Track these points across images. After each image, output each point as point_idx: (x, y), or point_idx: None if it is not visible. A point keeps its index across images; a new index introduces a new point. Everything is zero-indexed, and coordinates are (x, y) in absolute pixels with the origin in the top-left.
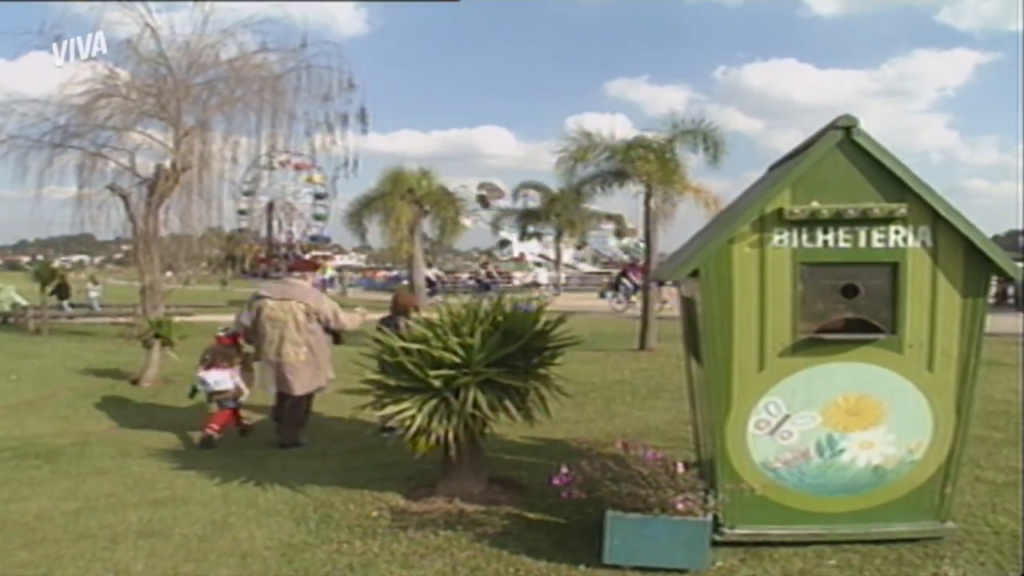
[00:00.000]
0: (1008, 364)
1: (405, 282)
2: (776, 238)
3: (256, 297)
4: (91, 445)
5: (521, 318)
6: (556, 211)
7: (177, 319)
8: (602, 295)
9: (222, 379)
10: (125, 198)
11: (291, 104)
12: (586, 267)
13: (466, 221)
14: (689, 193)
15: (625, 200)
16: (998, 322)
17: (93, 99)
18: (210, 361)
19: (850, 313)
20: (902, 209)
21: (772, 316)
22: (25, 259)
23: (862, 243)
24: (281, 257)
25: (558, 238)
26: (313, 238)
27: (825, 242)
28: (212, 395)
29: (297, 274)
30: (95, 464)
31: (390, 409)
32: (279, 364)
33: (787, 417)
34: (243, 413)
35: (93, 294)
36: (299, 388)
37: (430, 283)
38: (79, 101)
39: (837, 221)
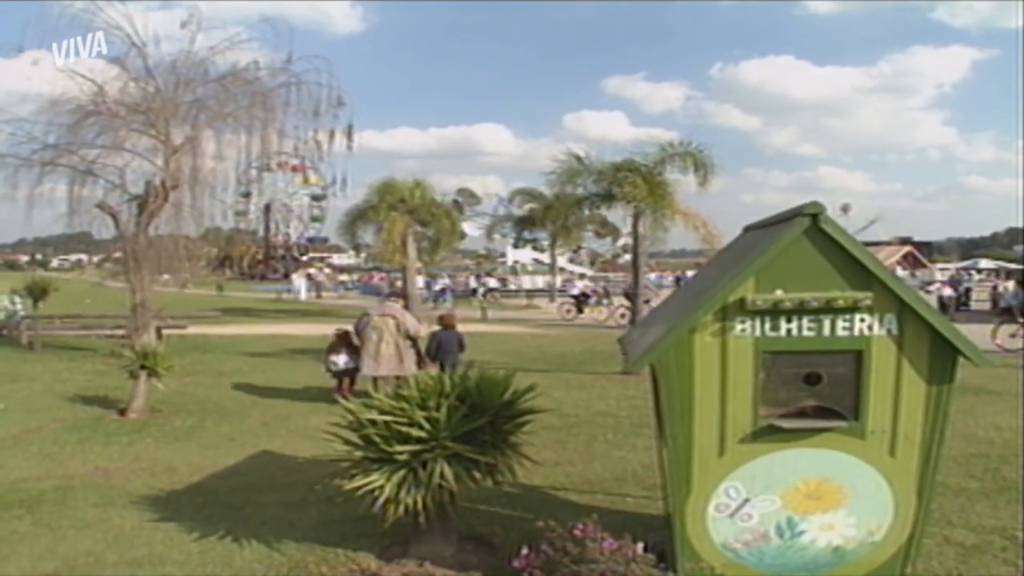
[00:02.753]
0: (995, 392)
1: (399, 282)
2: (738, 327)
3: (365, 314)
4: (74, 491)
5: (489, 389)
6: (551, 217)
7: (170, 332)
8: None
9: (345, 361)
10: (115, 216)
11: (281, 120)
12: (581, 271)
13: (468, 228)
14: (678, 216)
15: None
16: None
17: (82, 117)
18: (337, 350)
19: (812, 400)
20: (867, 300)
21: (733, 404)
22: (24, 258)
23: (826, 331)
24: (279, 258)
25: (553, 244)
26: (310, 239)
27: (788, 331)
28: (338, 372)
29: (393, 299)
30: (77, 515)
31: (359, 480)
32: (377, 356)
33: (747, 501)
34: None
35: (14, 307)
36: (384, 370)
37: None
38: (67, 120)
39: (801, 310)
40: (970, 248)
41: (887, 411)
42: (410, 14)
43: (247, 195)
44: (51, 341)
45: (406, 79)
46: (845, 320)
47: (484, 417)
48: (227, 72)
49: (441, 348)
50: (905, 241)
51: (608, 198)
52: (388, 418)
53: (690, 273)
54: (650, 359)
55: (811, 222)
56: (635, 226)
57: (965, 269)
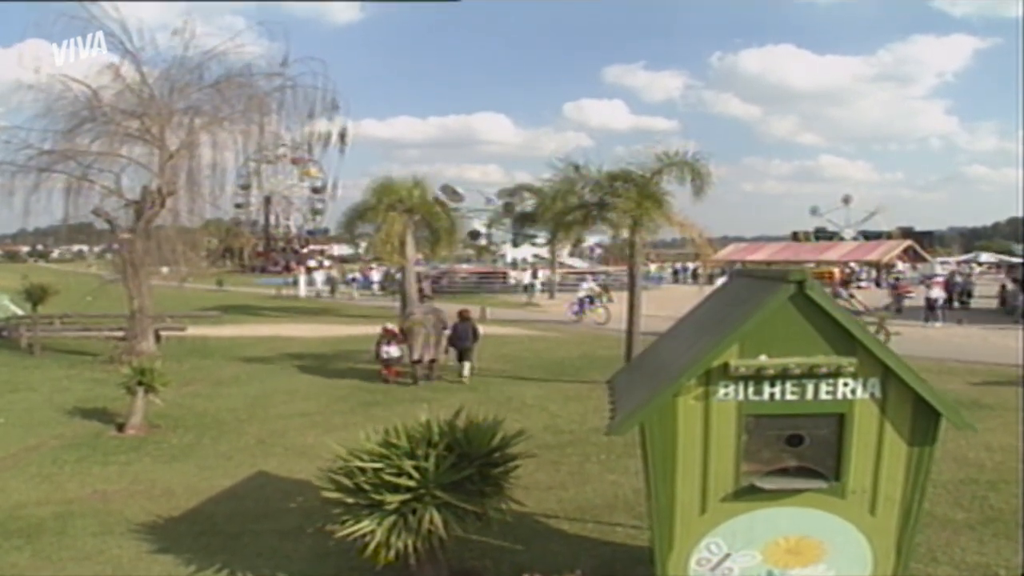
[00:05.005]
0: (988, 406)
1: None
2: (722, 391)
3: (410, 313)
4: (73, 517)
5: (477, 437)
6: (550, 216)
7: (169, 334)
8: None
9: (395, 350)
10: (111, 222)
11: (276, 123)
12: (581, 264)
13: (476, 224)
14: (674, 227)
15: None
16: (994, 341)
17: (77, 123)
18: (388, 340)
19: (795, 461)
20: (850, 367)
21: (715, 464)
22: (25, 249)
23: (809, 395)
24: (279, 251)
25: (553, 240)
26: (311, 231)
27: (772, 395)
28: (388, 359)
29: (428, 299)
30: (76, 545)
31: (350, 527)
32: (425, 344)
33: (728, 555)
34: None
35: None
36: (429, 356)
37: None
38: (63, 126)
39: (784, 375)
40: (972, 238)
41: (868, 471)
42: (408, 3)
43: (246, 187)
44: (51, 343)
45: (405, 68)
46: (828, 384)
47: (472, 467)
48: (221, 77)
49: (457, 336)
50: (907, 232)
51: (603, 207)
52: (378, 465)
53: (691, 265)
54: (634, 423)
55: (797, 289)
56: (632, 238)
57: (966, 262)
